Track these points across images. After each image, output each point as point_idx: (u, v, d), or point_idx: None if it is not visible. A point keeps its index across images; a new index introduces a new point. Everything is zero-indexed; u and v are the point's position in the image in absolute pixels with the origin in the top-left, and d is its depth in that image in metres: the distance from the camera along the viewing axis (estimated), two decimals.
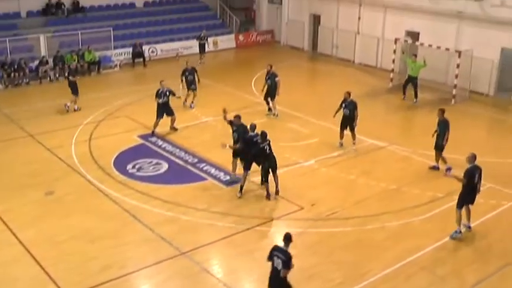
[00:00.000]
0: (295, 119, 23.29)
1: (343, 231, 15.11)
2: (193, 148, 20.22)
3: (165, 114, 21.53)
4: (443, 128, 18.20)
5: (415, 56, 26.40)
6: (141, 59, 32.48)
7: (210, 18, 38.88)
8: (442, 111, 18.33)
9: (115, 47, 32.48)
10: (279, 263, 10.82)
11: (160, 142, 20.86)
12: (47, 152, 19.93)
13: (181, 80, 24.46)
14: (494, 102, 26.57)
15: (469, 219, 14.97)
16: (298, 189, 17.37)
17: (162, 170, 18.70)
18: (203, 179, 18.08)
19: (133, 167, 18.75)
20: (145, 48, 33.14)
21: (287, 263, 10.73)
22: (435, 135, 18.43)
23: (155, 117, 21.35)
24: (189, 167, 18.92)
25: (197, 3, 39.56)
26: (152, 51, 33.80)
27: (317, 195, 17.01)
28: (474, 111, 25.24)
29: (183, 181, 17.96)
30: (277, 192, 16.95)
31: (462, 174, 14.38)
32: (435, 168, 18.60)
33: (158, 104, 21.35)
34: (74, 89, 24.25)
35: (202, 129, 22.12)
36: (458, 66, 25.87)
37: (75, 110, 24.18)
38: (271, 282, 11.07)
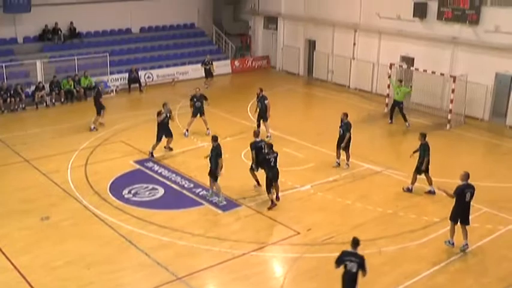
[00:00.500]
0: (290, 144, 23.30)
1: None
2: (189, 173, 20.22)
3: (163, 137, 21.69)
4: (422, 151, 18.54)
5: (400, 81, 26.60)
6: (137, 85, 32.57)
7: (205, 44, 39.10)
8: (423, 135, 18.69)
9: (111, 73, 32.55)
10: (353, 266, 11.35)
11: (156, 167, 20.85)
12: (43, 177, 19.89)
13: (190, 106, 24.41)
14: (489, 127, 26.68)
15: (465, 237, 15.08)
16: (294, 214, 17.36)
17: (158, 195, 18.66)
18: (199, 204, 18.05)
19: (129, 192, 18.71)
20: (141, 73, 33.22)
21: (363, 264, 11.32)
22: (413, 155, 18.75)
23: (155, 139, 21.54)
24: (185, 192, 18.90)
25: (193, 29, 39.81)
26: (148, 77, 33.89)
27: (313, 220, 16.99)
28: (469, 135, 25.35)
29: (179, 206, 17.91)
30: (277, 199, 17.94)
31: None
32: (431, 192, 18.64)
33: (159, 126, 21.52)
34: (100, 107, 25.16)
35: (199, 154, 22.08)
36: (453, 91, 26.01)
37: (91, 129, 24.83)
38: (347, 285, 11.55)
